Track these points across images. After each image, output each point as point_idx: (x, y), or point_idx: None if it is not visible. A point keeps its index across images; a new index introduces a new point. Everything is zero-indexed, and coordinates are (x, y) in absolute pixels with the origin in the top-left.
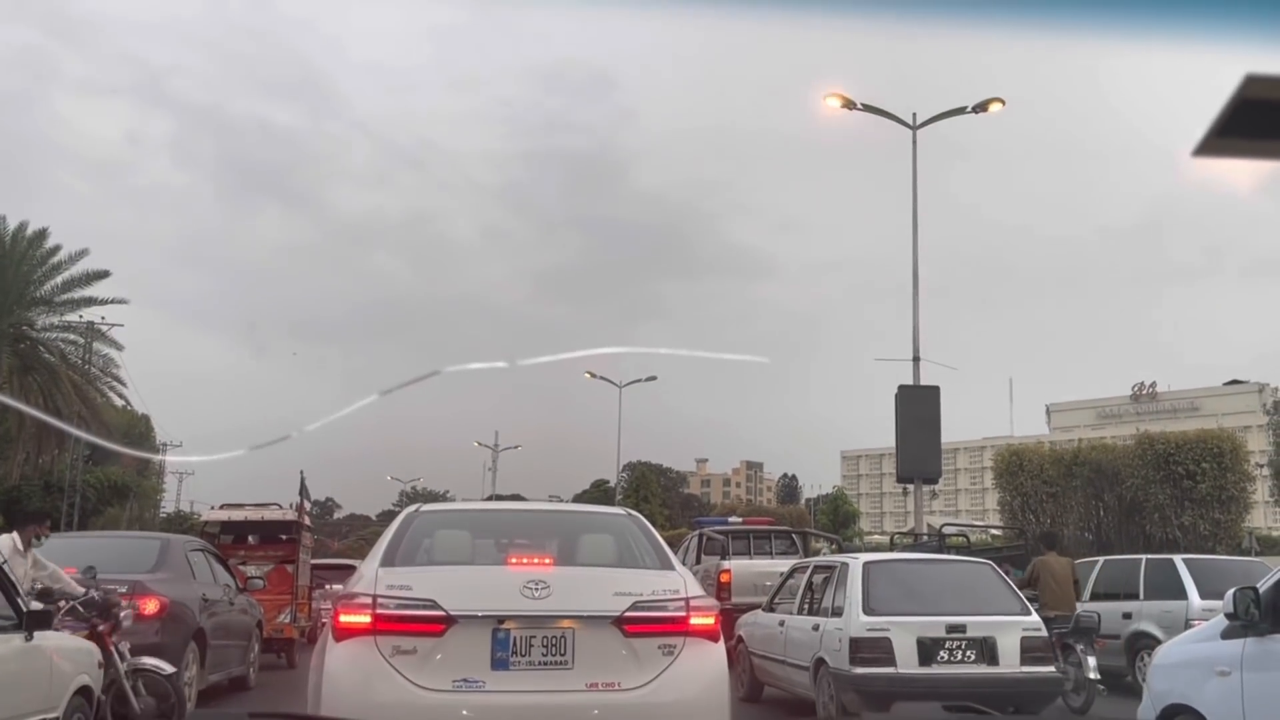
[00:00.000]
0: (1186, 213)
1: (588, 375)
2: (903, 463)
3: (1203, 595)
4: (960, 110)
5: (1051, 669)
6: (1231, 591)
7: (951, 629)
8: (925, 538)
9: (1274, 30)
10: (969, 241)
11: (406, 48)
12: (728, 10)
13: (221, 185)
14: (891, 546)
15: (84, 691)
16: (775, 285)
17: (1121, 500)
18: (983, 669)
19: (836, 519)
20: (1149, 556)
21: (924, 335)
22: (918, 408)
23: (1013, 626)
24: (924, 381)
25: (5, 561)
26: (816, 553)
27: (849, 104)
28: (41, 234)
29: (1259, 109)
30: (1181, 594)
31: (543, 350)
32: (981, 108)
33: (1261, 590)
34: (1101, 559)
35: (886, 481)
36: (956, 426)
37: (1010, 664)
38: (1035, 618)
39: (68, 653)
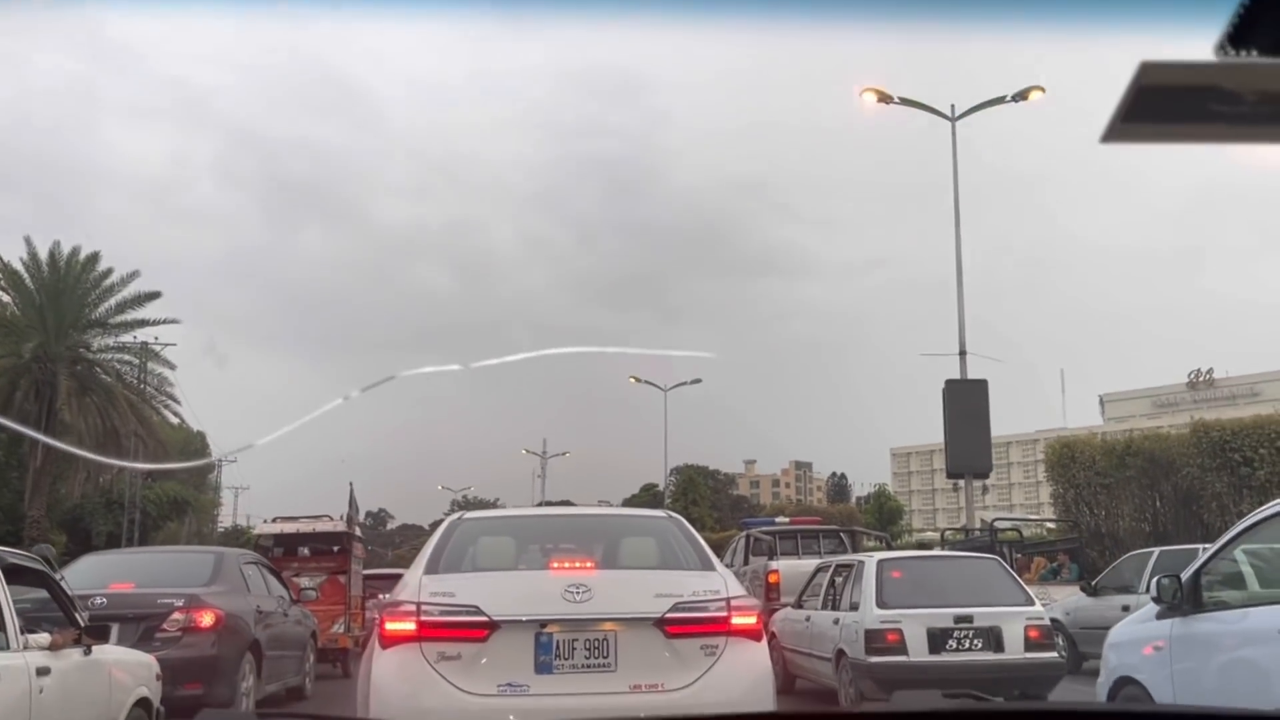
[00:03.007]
0: (1238, 193)
1: (632, 380)
2: (952, 458)
3: (1262, 584)
4: (1000, 100)
5: (1054, 654)
6: (1157, 579)
7: (959, 620)
8: (977, 533)
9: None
10: (1014, 232)
11: (441, 59)
12: (760, 14)
13: (265, 203)
14: (942, 543)
15: (143, 703)
16: (817, 284)
17: (1178, 490)
18: (989, 656)
19: (882, 516)
20: (1205, 546)
21: (970, 329)
22: (966, 402)
23: (1017, 616)
24: (972, 375)
25: (63, 577)
26: (867, 551)
27: (885, 98)
28: (94, 258)
29: (1158, 94)
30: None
31: (586, 358)
32: (1021, 96)
33: (1184, 578)
34: (1157, 549)
35: (938, 478)
36: (1008, 420)
37: (1015, 651)
38: (1039, 608)
39: (126, 665)
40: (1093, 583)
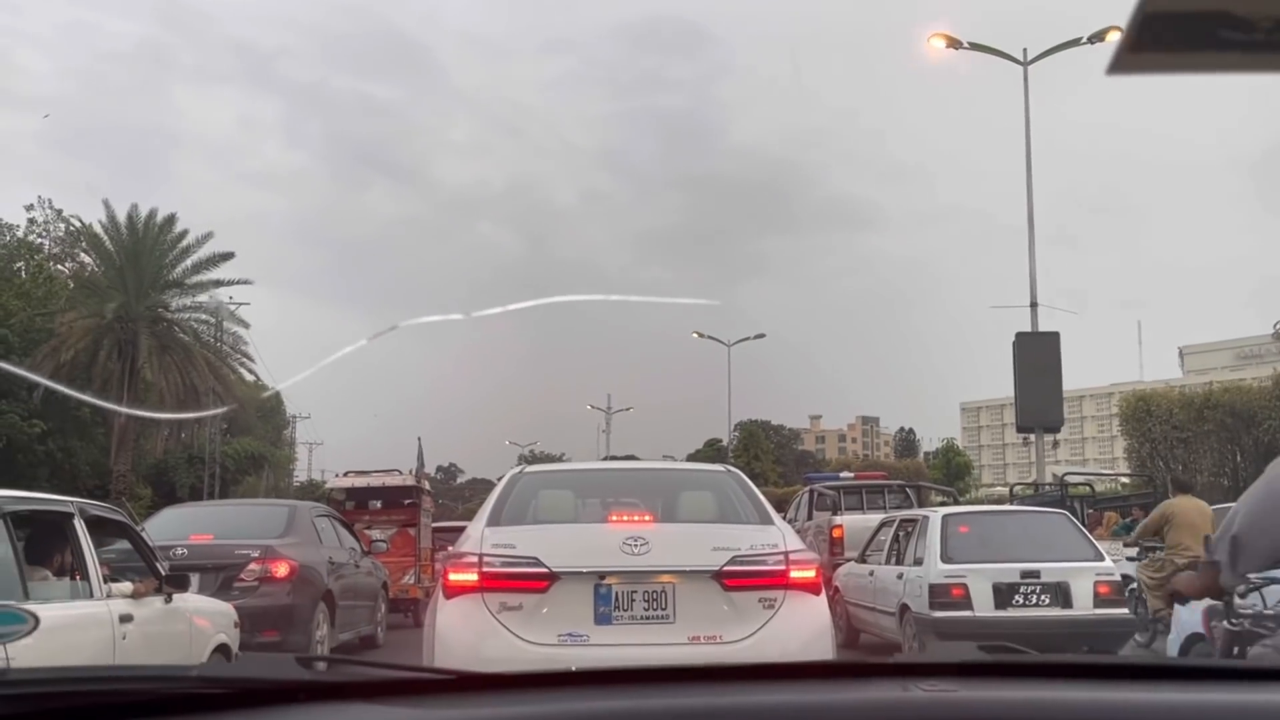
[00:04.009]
0: None
1: (695, 335)
2: (1022, 412)
3: None
4: (1075, 42)
5: (1124, 610)
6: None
7: (1026, 575)
8: (1047, 488)
9: None
10: (1088, 179)
11: (499, 13)
12: None
13: (331, 163)
14: (1011, 498)
15: (222, 649)
16: (884, 236)
17: (1259, 444)
18: (1057, 612)
19: (949, 471)
20: None
21: (1042, 280)
22: (1037, 355)
23: (1086, 572)
24: (1043, 328)
25: (144, 529)
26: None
27: (954, 43)
28: (170, 220)
29: (1164, 21)
30: None
31: (646, 313)
32: (1098, 38)
33: None
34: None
35: (1008, 432)
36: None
37: (1084, 607)
38: (1108, 563)
39: (206, 613)
40: None
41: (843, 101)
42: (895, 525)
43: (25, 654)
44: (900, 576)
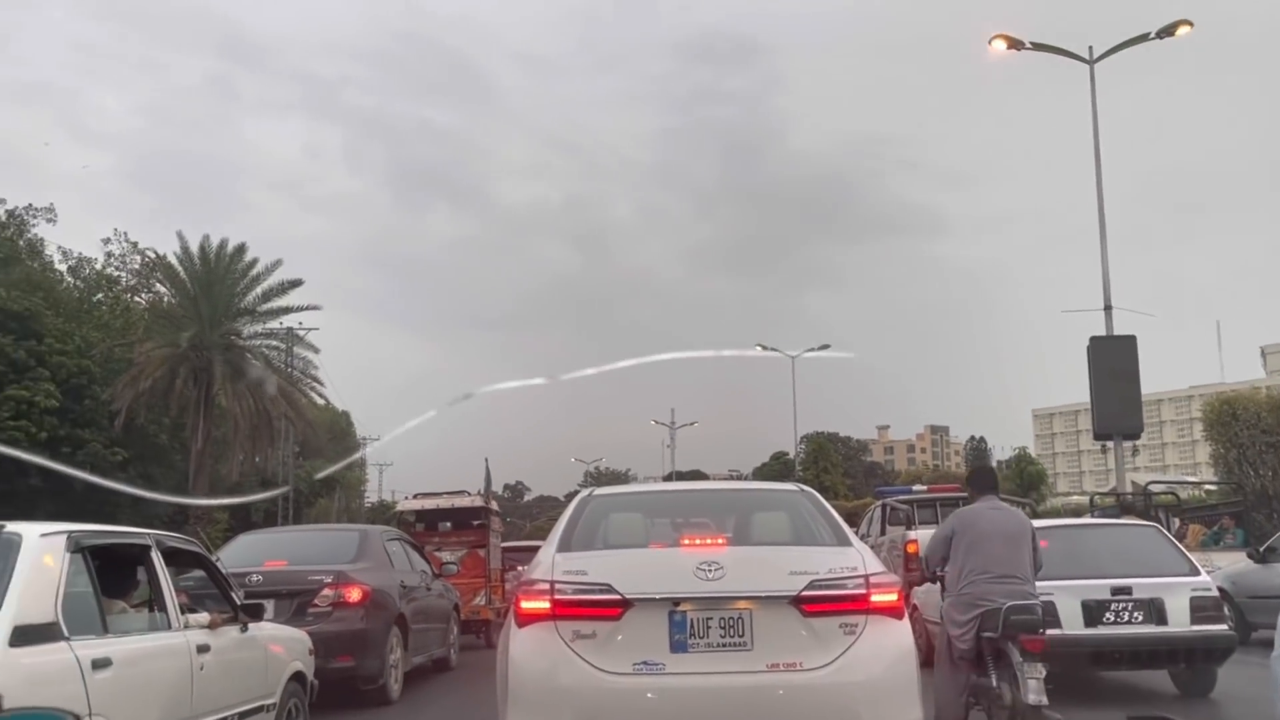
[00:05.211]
0: None
1: (759, 348)
2: (1099, 419)
3: None
4: (1143, 38)
5: (1224, 628)
6: None
7: (1117, 591)
8: (1128, 497)
9: None
10: (1160, 178)
11: (554, 33)
12: None
13: (392, 187)
14: (1091, 508)
15: (298, 676)
16: (949, 242)
17: None
18: (1151, 629)
19: (1023, 481)
20: None
21: (1115, 282)
22: (1113, 360)
23: (1181, 587)
24: (1118, 331)
25: (219, 558)
26: None
27: (1016, 44)
28: (240, 249)
29: None
30: None
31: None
32: (1167, 32)
33: None
34: None
35: (1084, 439)
36: (1159, 376)
37: (1180, 624)
38: (1205, 578)
39: (281, 640)
40: (1260, 548)
41: (902, 107)
42: None
43: (107, 688)
44: None
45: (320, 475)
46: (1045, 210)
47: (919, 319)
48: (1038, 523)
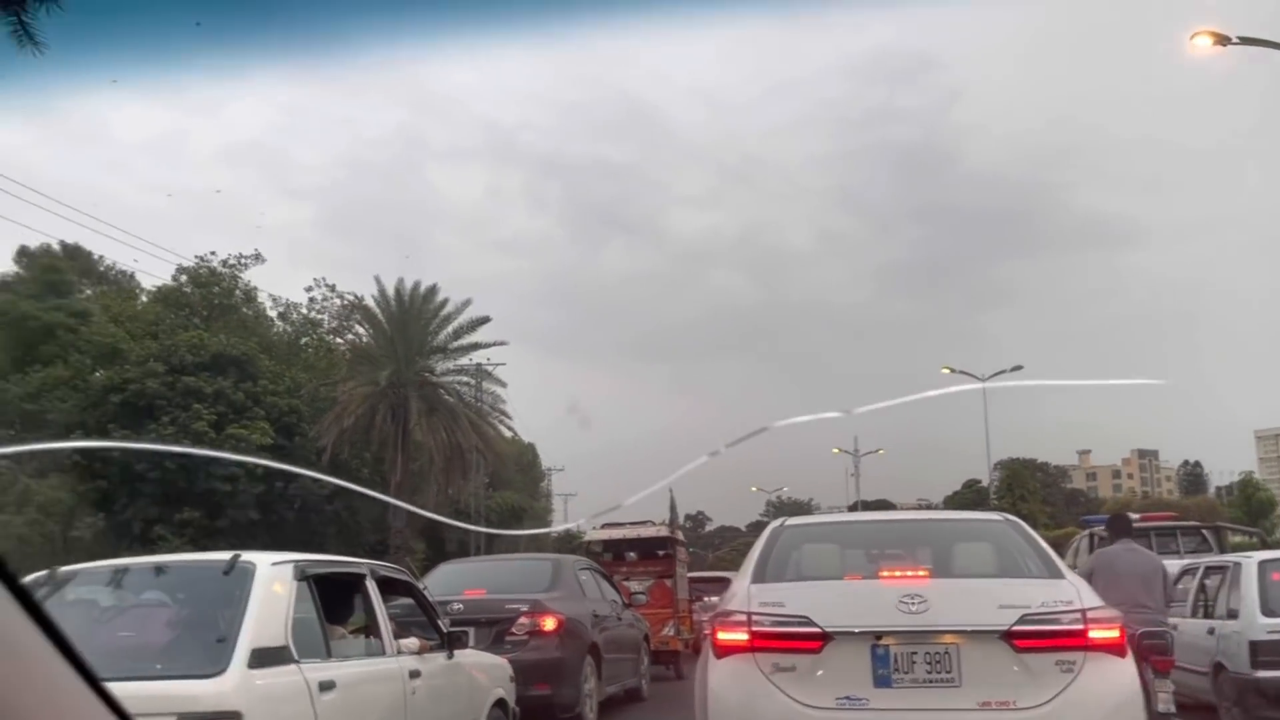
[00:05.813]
0: None
1: (946, 370)
2: None
3: None
4: None
5: None
6: None
7: None
8: None
9: None
10: None
11: (723, 64)
12: None
13: (570, 225)
14: None
15: (500, 704)
16: (1144, 252)
17: None
18: None
19: (1250, 509)
20: None
21: None
22: None
23: None
24: None
25: (426, 587)
26: (1236, 549)
27: (1222, 40)
28: (432, 290)
29: None
30: None
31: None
32: None
33: None
34: None
35: None
36: None
37: None
38: None
39: (484, 667)
40: None
41: (1087, 114)
42: (1201, 573)
43: (332, 710)
44: (1212, 632)
45: (555, 531)
46: (1251, 214)
47: (1117, 335)
48: (1259, 555)
